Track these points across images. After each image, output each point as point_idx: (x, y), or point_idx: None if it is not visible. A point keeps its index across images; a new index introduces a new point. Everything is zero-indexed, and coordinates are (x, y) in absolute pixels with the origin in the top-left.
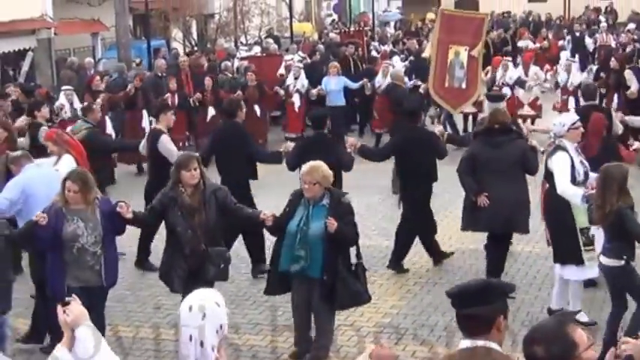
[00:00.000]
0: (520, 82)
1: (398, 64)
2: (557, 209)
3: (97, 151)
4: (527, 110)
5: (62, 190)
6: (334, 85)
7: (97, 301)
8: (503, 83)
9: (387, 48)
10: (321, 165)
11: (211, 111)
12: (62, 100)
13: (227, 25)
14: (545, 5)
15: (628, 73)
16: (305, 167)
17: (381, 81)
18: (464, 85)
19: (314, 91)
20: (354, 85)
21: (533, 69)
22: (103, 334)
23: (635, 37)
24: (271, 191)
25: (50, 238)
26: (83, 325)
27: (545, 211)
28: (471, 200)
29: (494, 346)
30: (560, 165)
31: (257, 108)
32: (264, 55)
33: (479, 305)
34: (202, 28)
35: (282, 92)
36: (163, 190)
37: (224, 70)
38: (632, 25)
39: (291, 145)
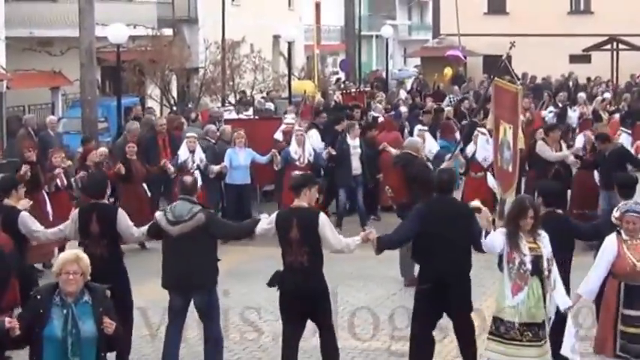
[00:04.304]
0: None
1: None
2: None
3: (220, 237)
4: None
5: None
6: (242, 159)
7: None
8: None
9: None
10: (81, 252)
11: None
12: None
13: (213, 81)
14: (588, 67)
15: None
16: (66, 255)
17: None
18: (510, 169)
19: (215, 168)
20: (264, 159)
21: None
22: None
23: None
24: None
25: None
26: None
27: None
28: None
29: None
30: None
31: (144, 186)
32: (256, 117)
33: None
34: (184, 84)
35: (171, 169)
36: None
37: (206, 136)
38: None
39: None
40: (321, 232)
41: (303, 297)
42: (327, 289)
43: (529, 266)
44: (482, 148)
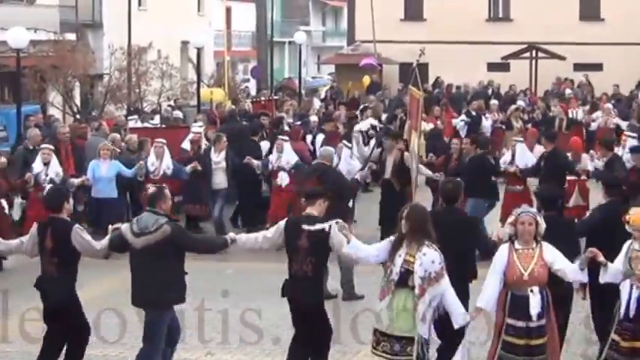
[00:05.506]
0: None
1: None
2: None
3: (187, 250)
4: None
5: None
6: (105, 171)
7: None
8: (278, 167)
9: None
10: None
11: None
12: None
13: (119, 88)
14: (507, 75)
15: None
16: None
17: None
18: (414, 176)
19: (75, 181)
20: (129, 172)
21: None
22: None
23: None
24: None
25: None
26: None
27: None
28: None
29: None
30: None
31: (4, 202)
32: (163, 126)
33: None
34: (88, 91)
35: (31, 182)
36: None
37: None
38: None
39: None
40: (331, 243)
41: (301, 308)
42: (323, 305)
43: (394, 277)
44: (344, 161)
